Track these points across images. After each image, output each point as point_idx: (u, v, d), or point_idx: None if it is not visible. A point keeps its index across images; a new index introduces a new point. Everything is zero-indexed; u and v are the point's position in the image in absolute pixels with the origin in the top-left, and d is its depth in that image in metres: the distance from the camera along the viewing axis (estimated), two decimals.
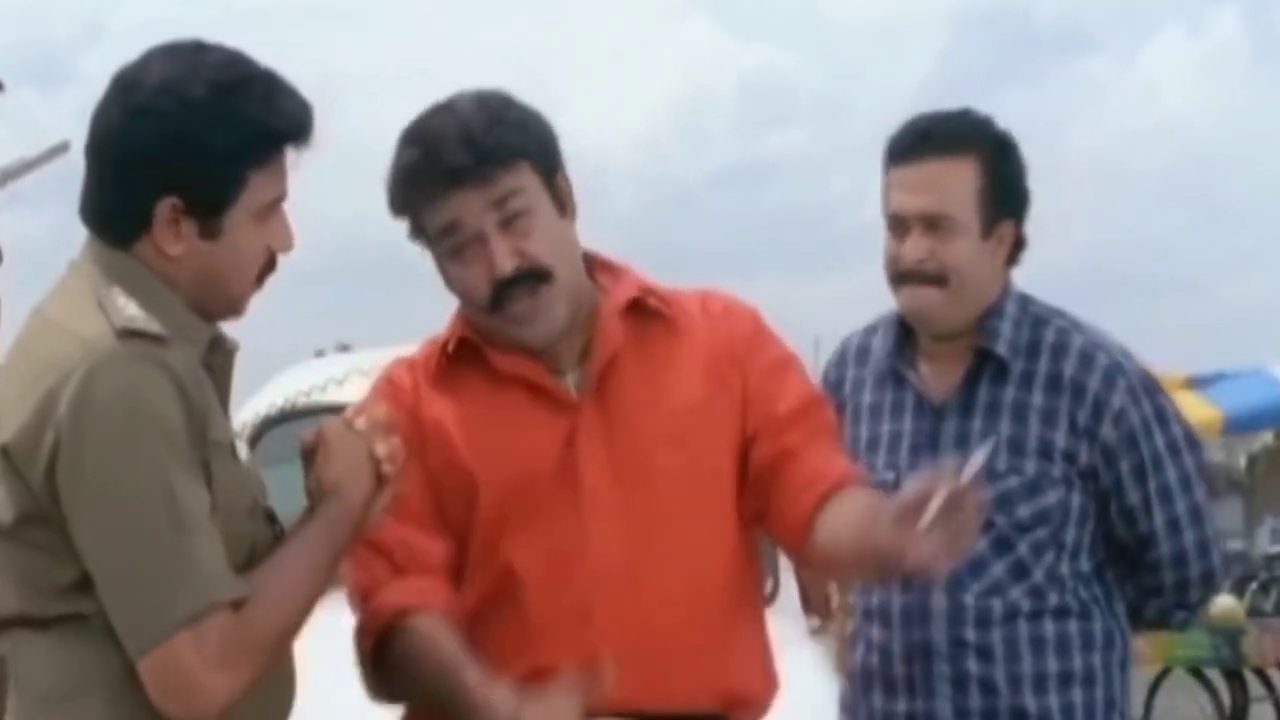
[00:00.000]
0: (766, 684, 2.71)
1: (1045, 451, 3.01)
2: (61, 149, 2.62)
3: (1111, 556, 3.10)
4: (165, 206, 2.28)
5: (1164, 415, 3.09)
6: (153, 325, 2.23)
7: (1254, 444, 20.18)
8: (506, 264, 2.57)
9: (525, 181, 2.59)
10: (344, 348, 6.39)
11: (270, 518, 2.40)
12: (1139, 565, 3.11)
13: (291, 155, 2.36)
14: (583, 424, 2.61)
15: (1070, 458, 3.02)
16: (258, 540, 2.33)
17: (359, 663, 2.64)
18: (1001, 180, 3.07)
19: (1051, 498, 3.01)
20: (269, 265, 2.39)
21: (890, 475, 3.03)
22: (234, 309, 2.39)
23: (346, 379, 4.89)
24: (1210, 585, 3.18)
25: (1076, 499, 3.03)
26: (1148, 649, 8.67)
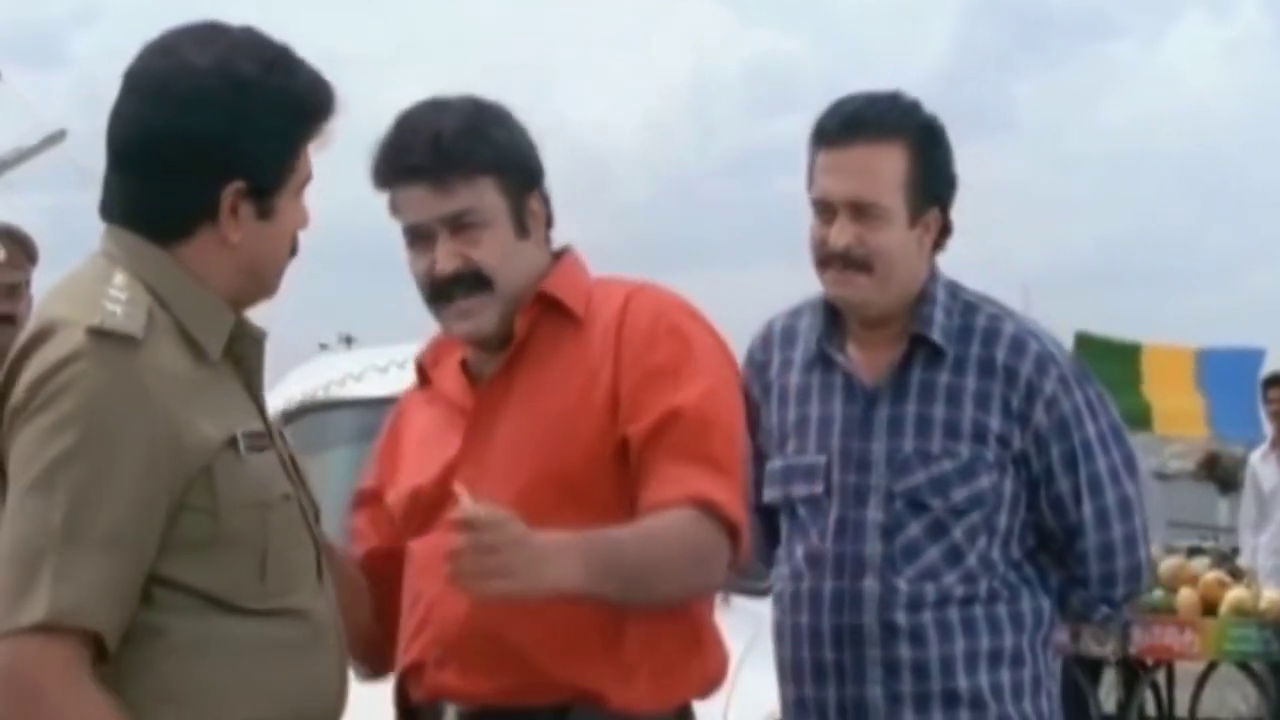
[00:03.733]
0: (618, 680, 2.66)
1: (979, 435, 3.03)
2: (58, 137, 2.47)
3: (1040, 545, 3.11)
4: (230, 192, 2.29)
5: (1095, 406, 3.10)
6: (130, 324, 2.20)
7: None
8: (448, 265, 2.71)
9: (484, 199, 2.71)
10: (347, 340, 6.51)
11: (305, 506, 2.40)
12: (1066, 555, 3.11)
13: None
14: (475, 419, 2.76)
15: (1004, 441, 3.04)
16: (272, 528, 2.31)
17: None
18: (929, 167, 3.08)
19: (985, 481, 3.03)
20: (294, 246, 2.41)
21: (822, 458, 3.09)
22: (270, 291, 2.42)
23: (364, 375, 5.01)
24: (1136, 581, 3.17)
25: (1009, 485, 3.05)
26: (1196, 643, 8.51)
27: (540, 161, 2.82)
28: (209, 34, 2.34)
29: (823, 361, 3.13)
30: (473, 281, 2.71)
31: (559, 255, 2.84)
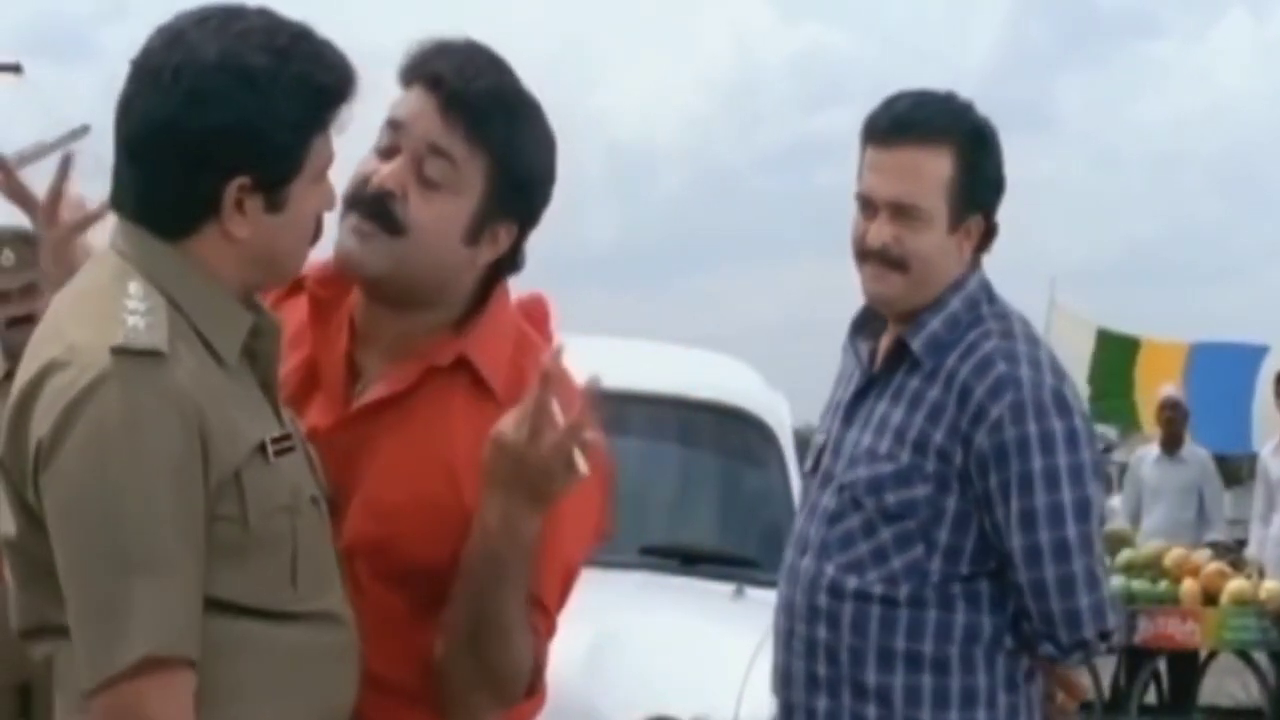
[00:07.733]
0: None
1: (921, 445, 3.02)
2: (81, 132, 2.55)
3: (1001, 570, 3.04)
4: (233, 188, 2.17)
5: (1051, 441, 2.97)
6: (154, 338, 2.10)
7: None
8: (385, 183, 2.39)
9: (464, 171, 2.40)
10: None
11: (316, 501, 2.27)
12: (1007, 583, 3.03)
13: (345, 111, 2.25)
14: (348, 431, 2.43)
15: (945, 457, 3.00)
16: (300, 532, 2.20)
17: None
18: (975, 173, 3.06)
19: (920, 491, 3.01)
20: (318, 229, 2.30)
21: (821, 438, 3.20)
22: (287, 279, 2.36)
23: None
24: (1077, 629, 3.01)
25: (953, 502, 3.01)
26: (1196, 632, 8.62)
27: (540, 210, 2.49)
28: (220, 20, 2.20)
29: (854, 349, 3.21)
30: (383, 217, 2.38)
31: (495, 296, 2.49)
